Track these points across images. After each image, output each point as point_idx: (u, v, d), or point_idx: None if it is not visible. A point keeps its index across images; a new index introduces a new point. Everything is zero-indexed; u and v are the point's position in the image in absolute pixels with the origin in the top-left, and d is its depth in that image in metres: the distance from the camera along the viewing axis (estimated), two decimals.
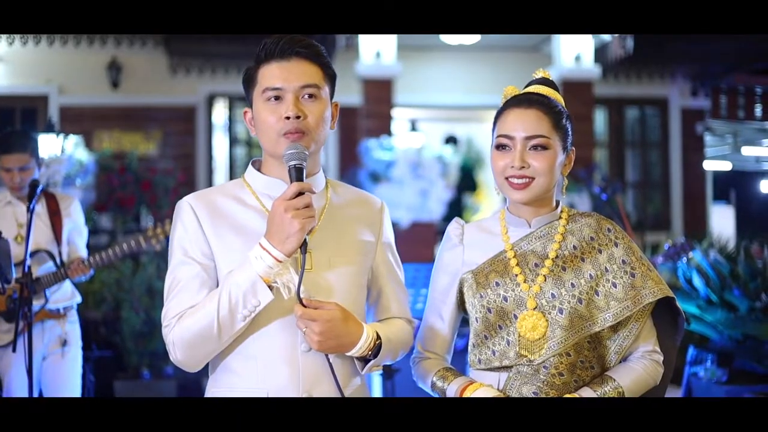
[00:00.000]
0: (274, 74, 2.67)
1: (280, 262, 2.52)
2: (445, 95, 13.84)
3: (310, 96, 2.68)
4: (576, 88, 12.49)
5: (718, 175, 16.03)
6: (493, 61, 13.44)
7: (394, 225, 10.39)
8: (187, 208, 2.70)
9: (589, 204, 11.25)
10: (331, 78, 2.77)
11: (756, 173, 17.97)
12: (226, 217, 2.69)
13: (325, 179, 2.85)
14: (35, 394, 5.42)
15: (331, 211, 2.78)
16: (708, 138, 14.77)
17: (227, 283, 2.55)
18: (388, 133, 11.89)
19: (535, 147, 2.78)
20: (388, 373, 5.65)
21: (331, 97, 2.78)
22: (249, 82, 2.74)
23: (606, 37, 12.72)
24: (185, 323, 2.58)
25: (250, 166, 2.82)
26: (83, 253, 5.73)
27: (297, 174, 2.58)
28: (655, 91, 14.53)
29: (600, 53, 12.92)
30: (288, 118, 2.63)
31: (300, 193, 2.51)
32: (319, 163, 2.83)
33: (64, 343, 5.52)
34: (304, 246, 2.53)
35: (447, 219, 10.68)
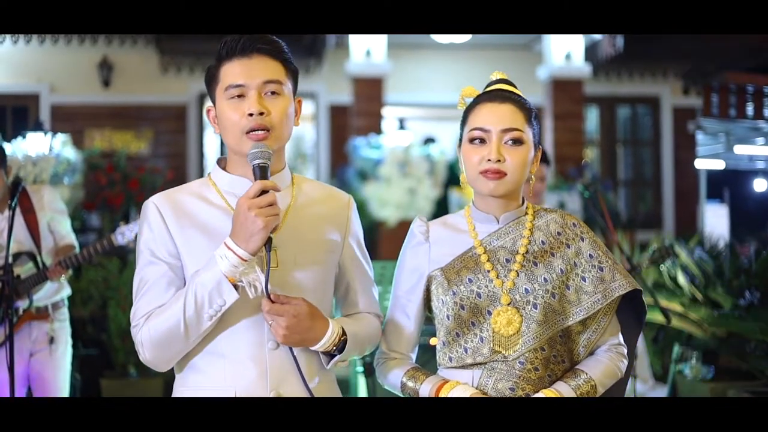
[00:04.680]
0: (235, 71, 2.66)
1: (245, 261, 2.52)
2: (436, 94, 13.83)
3: (273, 93, 2.68)
4: (566, 87, 12.50)
5: (711, 174, 16.02)
6: (484, 60, 13.40)
7: (382, 223, 10.50)
8: (152, 208, 2.69)
9: (579, 202, 11.25)
10: (293, 74, 2.76)
11: (749, 172, 17.96)
12: (191, 216, 2.69)
13: (291, 176, 2.85)
14: (23, 391, 5.43)
15: (297, 208, 2.78)
16: (700, 136, 14.77)
17: (193, 283, 2.55)
18: (379, 131, 11.87)
19: (510, 141, 2.78)
20: (370, 370, 5.64)
21: (294, 93, 2.77)
22: (211, 80, 2.74)
23: (596, 36, 12.72)
24: (152, 323, 2.59)
25: (215, 164, 2.82)
26: (71, 237, 5.66)
27: (261, 173, 2.58)
28: (646, 90, 14.55)
29: (590, 52, 12.92)
30: (251, 114, 2.62)
31: (264, 192, 2.51)
32: (284, 160, 2.82)
33: (52, 340, 5.50)
34: (269, 243, 2.53)
35: (436, 217, 10.59)
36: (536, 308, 2.76)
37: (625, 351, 2.91)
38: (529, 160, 2.82)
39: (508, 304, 2.78)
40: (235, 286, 2.54)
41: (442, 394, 2.76)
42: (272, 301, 2.57)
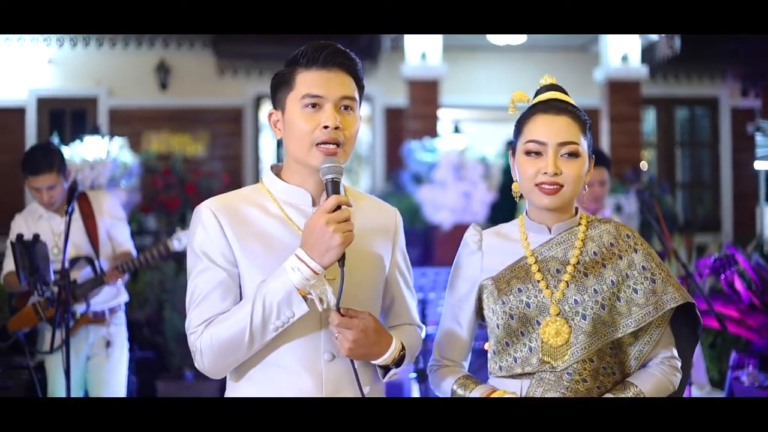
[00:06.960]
0: (315, 81, 2.65)
1: (317, 274, 2.51)
2: (492, 96, 13.78)
3: (347, 108, 2.68)
4: (623, 88, 12.41)
5: None
6: (540, 62, 13.34)
7: (437, 227, 10.47)
8: (208, 212, 2.67)
9: (636, 206, 11.15)
10: (362, 91, 2.76)
11: None
12: (249, 224, 2.67)
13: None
14: (80, 394, 5.50)
15: None
16: (759, 138, 14.61)
17: (260, 293, 2.54)
18: (434, 134, 11.85)
19: (566, 154, 2.77)
20: (423, 376, 5.66)
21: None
22: (282, 84, 2.71)
23: (653, 37, 12.61)
24: (214, 331, 2.57)
25: (268, 171, 2.81)
26: (128, 245, 5.76)
27: (334, 187, 2.58)
28: (704, 91, 14.42)
29: (647, 53, 12.81)
30: (326, 127, 2.62)
31: (338, 207, 2.51)
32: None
33: (108, 344, 5.57)
34: (342, 259, 2.53)
35: (491, 221, 10.64)
36: (585, 319, 2.75)
37: (679, 365, 2.87)
38: (584, 172, 2.81)
39: (557, 315, 2.76)
40: (304, 299, 2.54)
41: None
42: (341, 315, 2.58)
